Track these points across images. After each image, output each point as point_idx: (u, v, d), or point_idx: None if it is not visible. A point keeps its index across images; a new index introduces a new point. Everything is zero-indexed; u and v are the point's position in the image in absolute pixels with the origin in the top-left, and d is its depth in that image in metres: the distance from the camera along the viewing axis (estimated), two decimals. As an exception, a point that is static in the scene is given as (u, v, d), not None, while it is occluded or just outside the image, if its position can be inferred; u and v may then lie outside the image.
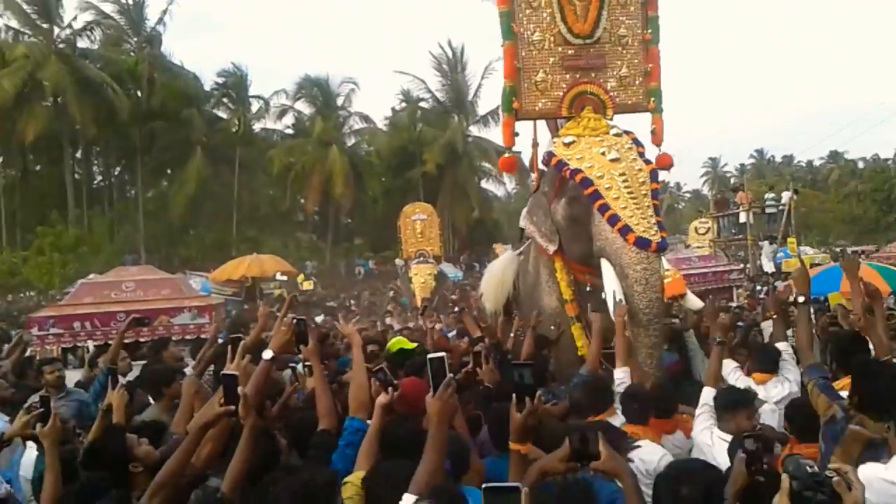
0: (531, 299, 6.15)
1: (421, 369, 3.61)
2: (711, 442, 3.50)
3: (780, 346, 4.63)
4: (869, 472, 2.69)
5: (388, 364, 4.22)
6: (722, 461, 3.30)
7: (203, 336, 8.67)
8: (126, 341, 7.35)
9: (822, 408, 3.05)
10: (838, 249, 39.22)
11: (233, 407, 2.94)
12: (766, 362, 4.49)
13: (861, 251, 35.04)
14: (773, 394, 4.24)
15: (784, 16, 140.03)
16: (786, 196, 23.63)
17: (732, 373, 4.51)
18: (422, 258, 19.03)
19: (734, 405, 3.52)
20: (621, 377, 4.29)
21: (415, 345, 5.71)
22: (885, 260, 22.21)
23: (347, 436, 3.19)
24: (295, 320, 3.53)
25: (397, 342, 5.71)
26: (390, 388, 3.02)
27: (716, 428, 3.54)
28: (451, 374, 2.64)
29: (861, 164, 71.07)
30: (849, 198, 61.96)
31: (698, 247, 21.76)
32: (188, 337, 8.92)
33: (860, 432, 2.74)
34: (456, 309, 12.50)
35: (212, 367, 4.59)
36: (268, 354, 3.42)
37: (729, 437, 3.38)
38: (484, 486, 1.97)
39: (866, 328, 4.04)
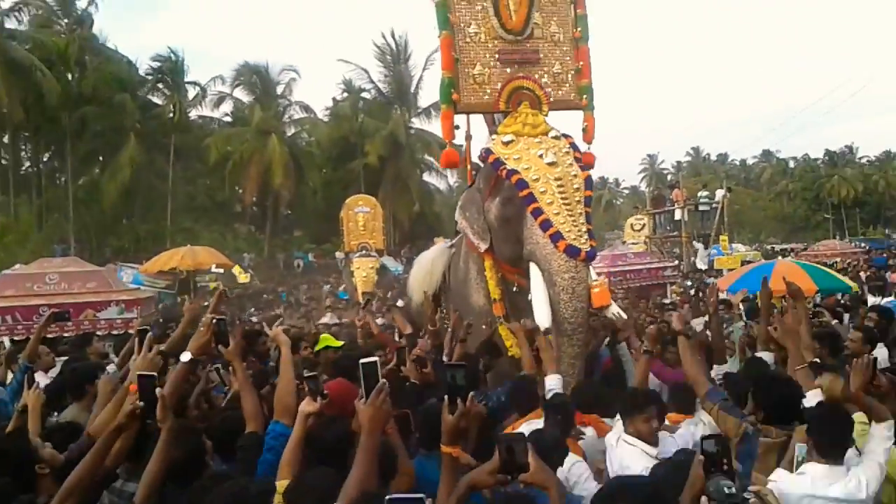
0: (460, 294, 6.15)
1: (349, 370, 3.54)
2: (614, 443, 3.50)
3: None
4: (785, 486, 2.76)
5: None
6: (619, 465, 3.37)
7: (130, 331, 8.43)
8: (50, 336, 7.09)
9: (732, 429, 3.09)
10: (769, 247, 40.57)
11: (140, 405, 2.85)
12: (682, 401, 4.10)
13: (791, 249, 36.31)
14: (682, 441, 3.71)
15: (722, 19, 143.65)
16: (719, 194, 24.27)
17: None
18: (364, 251, 19.11)
19: (632, 408, 3.51)
20: (552, 385, 4.23)
21: (341, 343, 5.66)
22: (812, 258, 23.06)
23: (269, 440, 3.10)
24: (214, 320, 3.42)
25: (324, 339, 5.65)
26: (318, 397, 2.93)
27: (623, 432, 3.51)
28: (384, 380, 2.60)
29: (792, 164, 73.47)
30: (780, 196, 64.06)
31: (633, 243, 22.21)
32: (115, 332, 8.63)
33: (772, 442, 2.79)
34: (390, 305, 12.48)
35: None
36: (186, 357, 3.31)
37: (635, 441, 3.39)
38: (387, 497, 1.93)
39: (783, 336, 4.13)
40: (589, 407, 4.02)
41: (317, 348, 5.61)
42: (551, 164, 5.19)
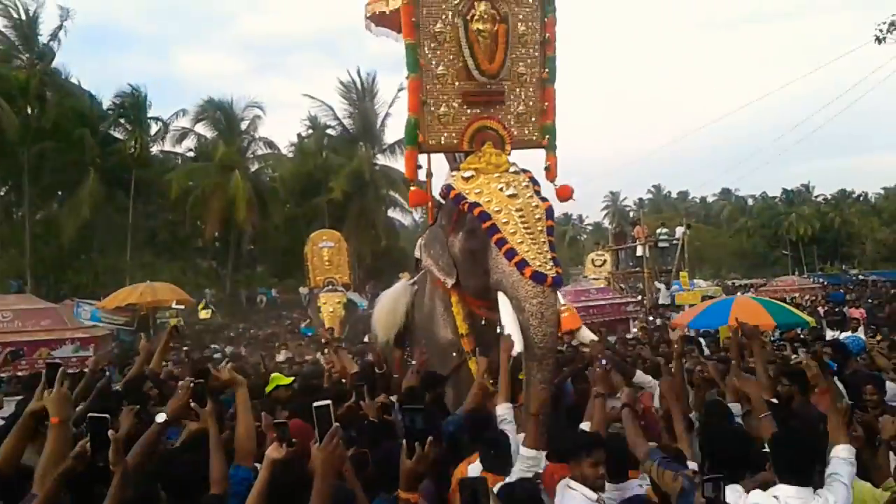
0: (426, 331, 6.13)
1: (304, 410, 3.49)
2: (560, 491, 3.41)
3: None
4: None
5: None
6: None
7: (86, 370, 8.24)
8: (2, 375, 6.90)
9: (670, 483, 3.12)
10: (730, 283, 41.24)
11: (87, 447, 2.79)
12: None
13: (750, 285, 36.95)
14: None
15: (682, 60, 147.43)
16: (679, 231, 24.66)
17: None
18: (330, 286, 18.97)
19: (579, 450, 3.43)
20: (503, 414, 4.21)
21: (290, 379, 5.59)
22: (772, 293, 23.50)
23: (234, 485, 3.04)
24: (192, 384, 3.40)
25: (274, 379, 5.58)
26: (285, 445, 2.88)
27: (569, 477, 3.43)
28: (338, 424, 2.57)
29: (751, 202, 75.11)
30: (739, 233, 65.39)
31: (594, 279, 22.38)
32: (70, 370, 8.38)
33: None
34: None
35: None
36: (161, 418, 3.28)
37: (578, 486, 3.32)
38: None
39: (743, 385, 4.20)
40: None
41: (268, 389, 5.53)
42: (512, 195, 5.25)
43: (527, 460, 3.58)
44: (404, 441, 2.53)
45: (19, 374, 8.03)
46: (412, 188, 5.95)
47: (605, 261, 25.10)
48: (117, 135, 33.88)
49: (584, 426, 4.11)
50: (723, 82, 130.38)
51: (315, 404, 2.59)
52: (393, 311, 6.70)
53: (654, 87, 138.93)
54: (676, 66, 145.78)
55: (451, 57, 5.74)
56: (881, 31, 14.43)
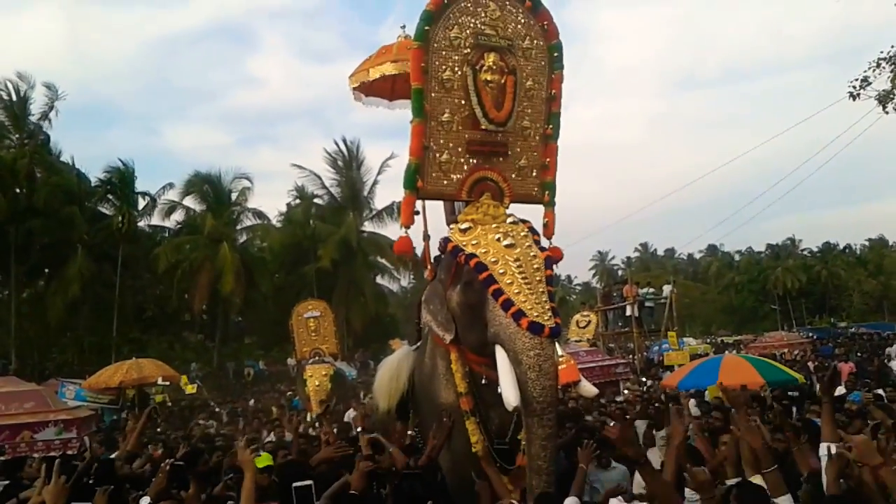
0: (427, 392, 5.99)
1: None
2: None
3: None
4: None
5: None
6: None
7: (70, 452, 8.12)
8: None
9: None
10: (719, 340, 41.24)
11: None
12: None
13: (740, 341, 36.94)
14: None
15: (664, 120, 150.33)
16: (667, 289, 24.72)
17: None
18: (317, 357, 18.09)
19: None
20: None
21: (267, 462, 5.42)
22: (762, 349, 23.54)
23: None
24: (169, 466, 3.41)
25: (262, 459, 5.45)
26: None
27: None
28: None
29: (737, 257, 75.71)
30: (728, 289, 65.76)
31: (577, 341, 22.03)
32: (53, 454, 8.26)
33: None
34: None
35: None
36: (145, 501, 3.29)
37: None
38: None
39: (746, 435, 4.21)
40: None
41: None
42: (509, 246, 5.18)
43: None
44: None
45: (1, 458, 7.90)
46: (401, 235, 5.75)
47: (589, 322, 24.76)
48: (105, 210, 34.08)
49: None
50: (707, 140, 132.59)
51: (294, 484, 2.59)
52: (396, 377, 6.50)
53: (639, 145, 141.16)
54: (660, 124, 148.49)
55: (458, 105, 5.70)
56: (854, 87, 14.80)
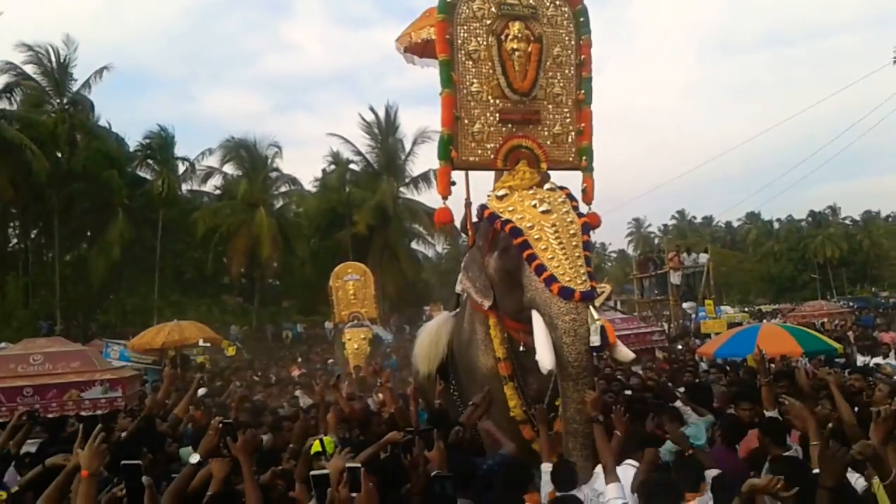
0: (466, 357, 6.04)
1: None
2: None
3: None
4: None
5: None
6: None
7: (116, 410, 8.34)
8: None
9: None
10: (757, 308, 40.70)
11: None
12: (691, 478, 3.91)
13: (778, 310, 36.43)
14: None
15: (707, 82, 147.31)
16: (703, 258, 24.43)
17: None
18: (356, 321, 18.13)
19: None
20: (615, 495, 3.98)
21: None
22: (800, 318, 23.19)
23: None
24: (221, 423, 3.45)
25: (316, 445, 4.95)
26: None
27: None
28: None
29: (776, 225, 74.29)
30: (766, 257, 64.66)
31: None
32: (100, 412, 8.50)
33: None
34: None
35: None
36: (194, 458, 3.33)
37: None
38: None
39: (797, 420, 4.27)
40: None
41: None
42: (546, 211, 5.18)
43: None
44: None
45: (50, 415, 8.13)
46: (440, 206, 5.80)
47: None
48: (145, 175, 34.55)
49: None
50: (745, 106, 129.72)
51: (312, 473, 2.62)
52: (435, 342, 6.56)
53: (677, 112, 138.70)
54: (697, 90, 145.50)
55: (487, 75, 5.71)
56: (898, 52, 14.31)
